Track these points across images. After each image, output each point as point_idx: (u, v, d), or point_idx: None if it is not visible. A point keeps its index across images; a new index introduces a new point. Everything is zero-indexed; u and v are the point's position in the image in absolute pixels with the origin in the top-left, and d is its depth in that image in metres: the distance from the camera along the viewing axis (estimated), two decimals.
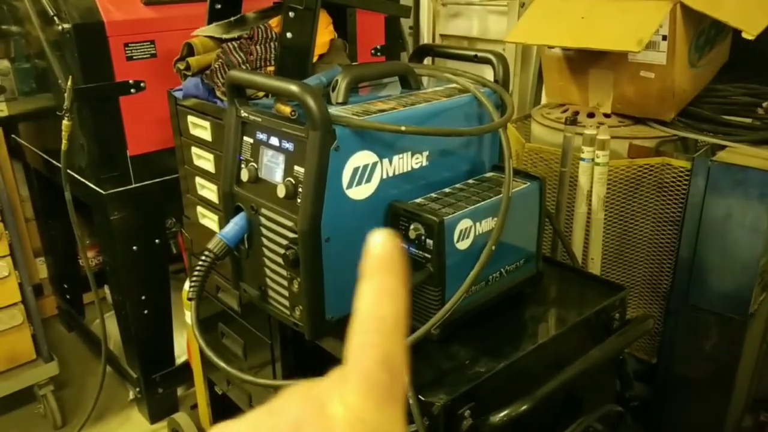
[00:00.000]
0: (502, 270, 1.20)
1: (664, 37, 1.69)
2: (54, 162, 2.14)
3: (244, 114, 1.15)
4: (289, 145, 1.08)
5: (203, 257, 1.15)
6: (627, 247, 1.81)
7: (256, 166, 1.15)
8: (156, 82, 1.84)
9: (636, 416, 1.87)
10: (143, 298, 2.01)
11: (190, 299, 1.14)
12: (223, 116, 1.22)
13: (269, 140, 1.12)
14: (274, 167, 1.12)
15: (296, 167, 1.06)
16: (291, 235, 1.08)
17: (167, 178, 1.94)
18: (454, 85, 1.27)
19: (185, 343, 2.16)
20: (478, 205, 1.11)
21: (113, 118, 1.80)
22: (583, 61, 1.86)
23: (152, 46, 1.81)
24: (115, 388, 2.34)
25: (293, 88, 1.01)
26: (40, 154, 2.25)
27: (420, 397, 0.97)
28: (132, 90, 1.80)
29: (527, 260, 1.25)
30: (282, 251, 1.10)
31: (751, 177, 1.57)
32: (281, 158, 1.10)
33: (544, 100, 2.25)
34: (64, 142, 1.78)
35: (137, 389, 2.17)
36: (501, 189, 1.17)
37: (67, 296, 2.69)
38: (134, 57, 1.79)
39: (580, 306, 1.22)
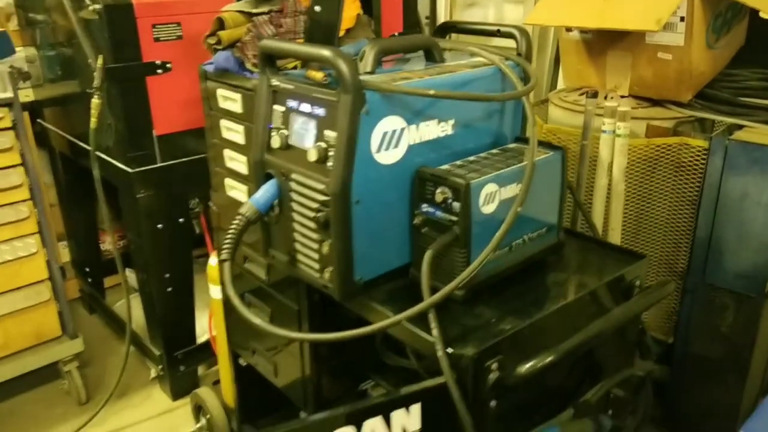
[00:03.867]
0: (524, 237, 1.23)
1: (682, 18, 1.71)
2: (81, 143, 2.19)
3: (275, 83, 1.19)
4: (320, 111, 1.11)
5: (236, 221, 1.19)
6: (644, 226, 1.83)
7: (286, 133, 1.18)
8: (181, 64, 1.88)
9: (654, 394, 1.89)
10: (167, 276, 2.06)
11: (222, 260, 1.17)
12: (254, 87, 1.26)
13: (300, 107, 1.15)
14: (304, 133, 1.15)
15: (327, 132, 1.10)
16: (322, 198, 1.12)
17: (191, 158, 1.99)
18: (477, 59, 1.30)
19: (206, 323, 2.20)
20: (502, 171, 1.14)
21: (140, 98, 1.85)
22: (601, 44, 1.88)
23: (178, 27, 1.85)
24: (137, 367, 2.38)
25: (326, 53, 1.05)
26: (66, 136, 2.30)
27: (449, 350, 1.00)
28: (159, 70, 1.85)
29: (549, 229, 1.28)
30: (312, 214, 1.14)
31: None
32: (312, 124, 1.13)
33: (560, 85, 2.28)
34: (93, 120, 1.83)
35: (159, 367, 2.21)
36: (524, 158, 1.20)
37: (89, 279, 2.74)
38: (161, 38, 1.83)
39: (601, 273, 1.24)
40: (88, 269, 2.74)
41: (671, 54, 1.76)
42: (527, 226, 1.22)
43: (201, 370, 2.30)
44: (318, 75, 1.10)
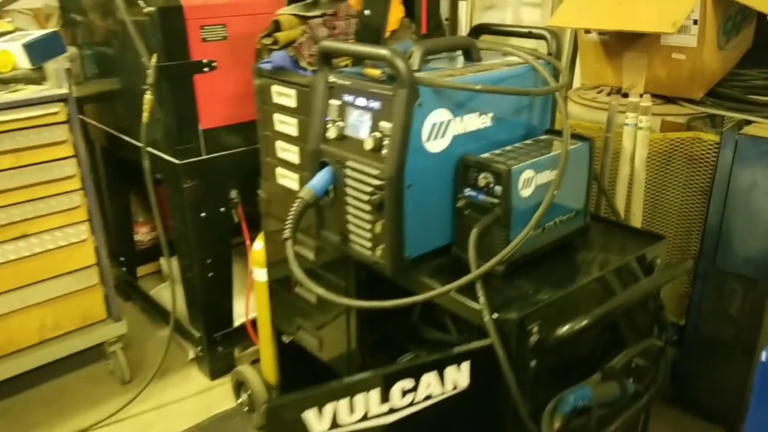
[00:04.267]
0: (556, 220, 1.36)
1: (695, 22, 1.85)
2: (124, 137, 2.32)
3: (332, 79, 1.33)
4: (375, 104, 1.25)
5: (295, 204, 1.32)
6: (659, 215, 1.96)
7: (342, 125, 1.32)
8: (226, 63, 2.02)
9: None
10: (209, 261, 2.19)
11: (285, 239, 1.30)
12: (309, 84, 1.40)
13: (356, 101, 1.29)
14: (359, 125, 1.28)
15: (382, 123, 1.23)
16: (376, 182, 1.25)
17: (232, 152, 2.12)
18: (511, 58, 1.43)
19: (242, 307, 2.33)
20: (538, 158, 1.27)
21: (188, 94, 1.98)
22: (618, 45, 2.02)
23: (224, 29, 1.99)
24: (174, 349, 2.51)
25: (384, 52, 1.18)
26: (109, 130, 2.44)
27: (494, 315, 1.13)
28: (205, 69, 1.98)
29: (577, 213, 1.41)
30: (367, 198, 1.27)
31: None
32: (367, 116, 1.27)
33: (576, 84, 2.41)
34: (145, 114, 1.96)
35: (198, 348, 2.35)
36: (554, 148, 1.33)
37: (123, 269, 2.87)
38: (208, 39, 1.96)
39: (624, 252, 1.38)
40: (123, 259, 2.87)
41: (684, 54, 1.89)
42: (558, 209, 1.35)
43: (236, 352, 2.43)
44: (375, 72, 1.23)
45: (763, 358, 0.86)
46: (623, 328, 1.40)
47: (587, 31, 2.09)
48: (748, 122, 1.84)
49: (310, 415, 1.05)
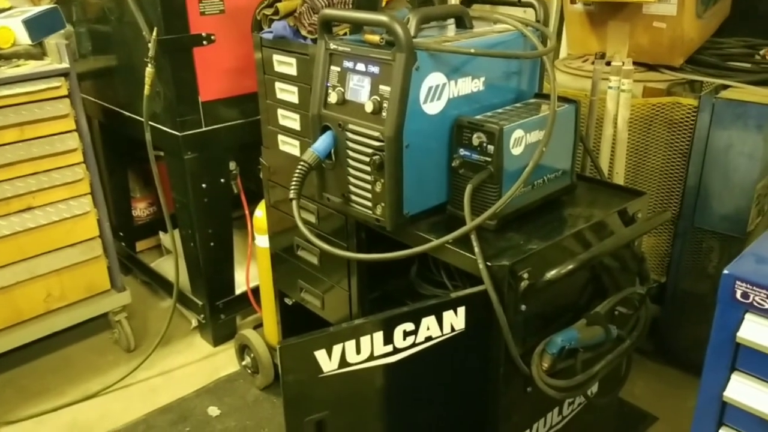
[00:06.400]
0: (544, 178, 1.45)
1: None
2: (124, 112, 2.38)
3: (333, 46, 1.40)
4: (375, 69, 1.32)
5: (299, 167, 1.39)
6: (641, 178, 2.06)
7: (343, 90, 1.39)
8: (224, 36, 2.07)
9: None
10: (210, 231, 2.26)
11: (291, 199, 1.38)
12: (310, 52, 1.47)
13: (356, 66, 1.36)
14: (359, 89, 1.36)
15: (381, 87, 1.31)
16: (376, 143, 1.33)
17: (231, 123, 2.19)
18: (501, 25, 1.51)
19: (243, 276, 2.41)
20: (528, 119, 1.36)
21: (188, 67, 2.04)
22: (602, 15, 2.10)
23: (221, 2, 2.04)
24: (176, 320, 2.59)
25: (384, 18, 1.26)
26: (106, 105, 2.49)
27: (487, 263, 1.22)
28: (204, 42, 2.04)
29: (564, 172, 1.50)
30: (368, 158, 1.35)
31: (750, 111, 1.82)
32: (367, 81, 1.34)
33: (562, 54, 2.49)
34: (147, 87, 2.02)
35: (201, 316, 2.43)
36: (543, 110, 1.42)
37: (122, 243, 2.93)
38: (206, 12, 2.02)
39: (608, 207, 1.47)
40: (121, 234, 2.94)
41: (665, 23, 1.97)
42: (546, 168, 1.44)
43: (238, 319, 2.51)
44: (375, 38, 1.30)
45: (726, 271, 0.96)
46: (607, 279, 1.50)
47: (573, 2, 2.17)
48: (726, 87, 1.94)
49: (320, 355, 1.14)
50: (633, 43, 2.06)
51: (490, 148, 1.32)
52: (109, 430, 2.08)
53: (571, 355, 1.33)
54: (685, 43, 1.99)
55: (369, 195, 1.40)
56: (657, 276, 2.16)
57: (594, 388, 1.58)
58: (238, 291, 2.46)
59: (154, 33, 1.94)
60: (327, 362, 1.15)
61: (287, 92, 1.63)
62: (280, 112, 1.67)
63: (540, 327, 1.33)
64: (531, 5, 1.53)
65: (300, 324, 1.95)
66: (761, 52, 2.09)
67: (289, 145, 1.69)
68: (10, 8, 2.26)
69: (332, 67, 1.41)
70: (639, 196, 1.50)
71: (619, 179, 1.87)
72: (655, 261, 2.16)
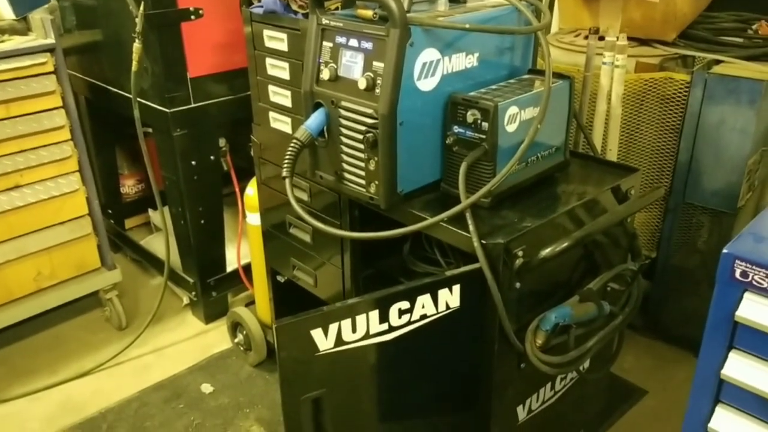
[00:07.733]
0: (538, 155, 1.45)
1: None
2: (111, 88, 2.34)
3: (324, 21, 1.37)
4: (368, 45, 1.30)
5: (292, 144, 1.38)
6: (633, 154, 2.06)
7: (335, 66, 1.37)
8: (212, 11, 2.03)
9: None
10: (200, 209, 2.25)
11: (284, 177, 1.37)
12: (301, 27, 1.44)
13: (349, 42, 1.34)
14: (352, 66, 1.34)
15: (375, 63, 1.29)
16: (370, 121, 1.31)
17: (220, 99, 2.16)
18: (495, 0, 1.49)
19: (234, 254, 2.40)
20: (522, 96, 1.35)
21: (176, 42, 2.00)
22: None
23: None
24: (168, 298, 2.58)
25: None
26: (93, 81, 2.44)
27: (482, 241, 1.22)
28: (192, 16, 2.00)
29: (558, 149, 1.50)
30: (361, 136, 1.34)
31: (743, 86, 1.82)
32: (360, 57, 1.32)
33: (555, 28, 2.47)
34: (135, 63, 1.98)
35: (193, 293, 2.42)
36: (537, 86, 1.41)
37: (111, 221, 2.91)
38: None
39: (602, 184, 1.47)
40: (110, 211, 2.91)
41: None
42: (540, 145, 1.44)
43: (230, 296, 2.51)
44: (368, 13, 1.28)
45: (725, 250, 0.97)
46: (599, 255, 1.51)
47: None
48: (718, 62, 1.93)
49: (316, 334, 1.14)
50: (625, 17, 2.04)
51: (485, 125, 1.31)
52: (103, 408, 2.08)
53: (564, 331, 1.35)
54: (678, 18, 1.98)
55: (362, 173, 1.39)
56: (648, 251, 2.17)
57: (586, 364, 1.60)
58: (229, 268, 2.45)
59: (141, 7, 1.90)
60: (323, 341, 1.15)
61: (278, 68, 1.60)
62: (271, 88, 1.65)
63: (534, 304, 1.34)
64: None
65: (292, 301, 1.95)
66: (754, 27, 2.08)
67: (281, 123, 1.67)
68: None
69: (324, 43, 1.39)
70: (632, 173, 1.50)
71: (612, 156, 1.87)
72: (645, 236, 2.18)
